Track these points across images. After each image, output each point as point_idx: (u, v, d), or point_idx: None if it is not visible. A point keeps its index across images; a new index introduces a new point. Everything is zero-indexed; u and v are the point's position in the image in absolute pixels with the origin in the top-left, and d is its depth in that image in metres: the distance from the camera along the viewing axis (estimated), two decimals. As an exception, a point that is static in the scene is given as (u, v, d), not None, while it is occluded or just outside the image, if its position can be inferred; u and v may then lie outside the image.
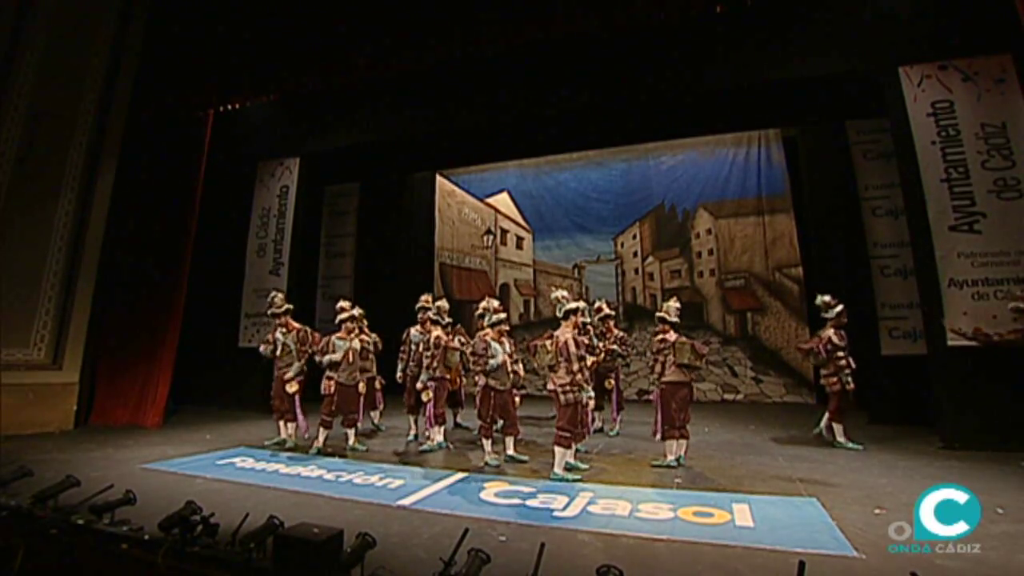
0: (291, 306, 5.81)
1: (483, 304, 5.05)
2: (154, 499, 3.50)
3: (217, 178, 8.33)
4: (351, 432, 5.42)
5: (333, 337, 5.39)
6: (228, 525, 2.70)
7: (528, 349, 4.64)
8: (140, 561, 2.51)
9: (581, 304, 4.61)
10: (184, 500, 2.84)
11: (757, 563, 2.65)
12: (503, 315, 4.93)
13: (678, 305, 4.88)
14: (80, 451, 5.33)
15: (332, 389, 5.20)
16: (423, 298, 6.01)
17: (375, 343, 6.27)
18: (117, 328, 7.39)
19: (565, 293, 4.65)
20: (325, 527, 2.52)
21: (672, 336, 4.68)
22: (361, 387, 5.46)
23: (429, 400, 5.25)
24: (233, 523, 2.71)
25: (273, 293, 5.89)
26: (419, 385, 5.27)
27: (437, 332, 5.54)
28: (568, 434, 4.28)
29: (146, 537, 2.67)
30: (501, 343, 4.84)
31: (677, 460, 4.59)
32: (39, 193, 6.76)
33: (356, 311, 5.57)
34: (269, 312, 5.80)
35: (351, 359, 5.34)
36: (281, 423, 5.61)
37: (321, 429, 5.28)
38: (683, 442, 4.62)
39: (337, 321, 5.40)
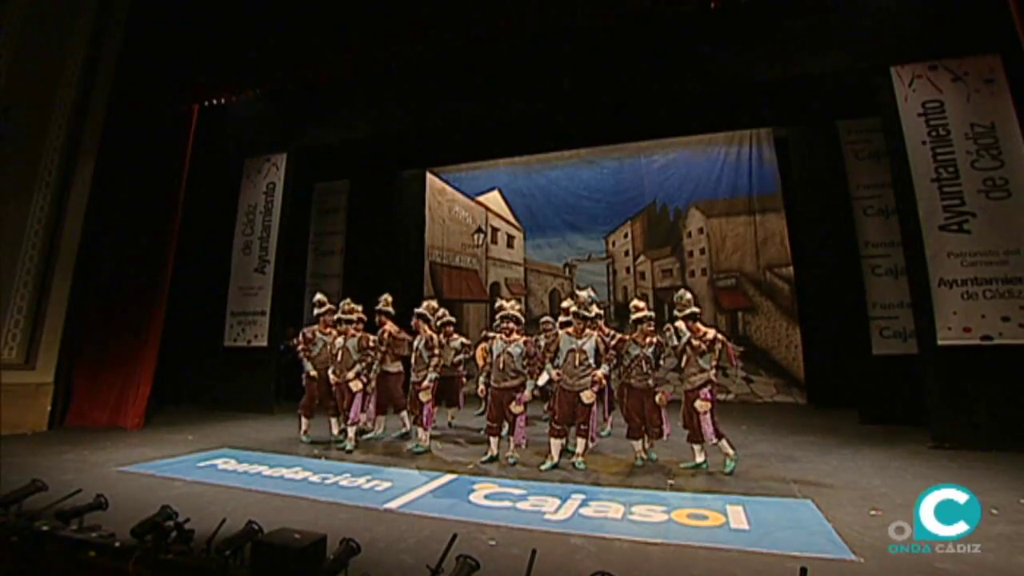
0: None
1: (503, 304, 5.03)
2: (129, 503, 3.36)
3: (202, 174, 8.15)
4: (350, 429, 5.41)
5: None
6: (205, 531, 2.58)
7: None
8: (109, 569, 2.37)
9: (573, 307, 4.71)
10: (160, 505, 2.72)
11: (754, 567, 2.58)
12: (514, 314, 4.89)
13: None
14: (53, 453, 5.14)
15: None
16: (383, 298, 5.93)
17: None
18: (97, 326, 7.18)
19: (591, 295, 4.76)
20: (307, 532, 2.43)
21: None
22: (355, 385, 5.37)
23: (429, 401, 5.21)
24: (211, 528, 2.58)
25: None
26: (425, 383, 5.17)
27: (430, 332, 5.46)
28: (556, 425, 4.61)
29: (117, 544, 2.53)
30: (511, 342, 4.79)
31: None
32: (12, 188, 6.53)
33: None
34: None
35: (339, 357, 5.46)
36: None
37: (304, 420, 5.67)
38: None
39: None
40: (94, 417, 6.76)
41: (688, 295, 4.63)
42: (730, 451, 4.34)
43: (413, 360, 5.36)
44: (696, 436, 4.42)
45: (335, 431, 5.69)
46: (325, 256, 10.50)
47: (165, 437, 6.02)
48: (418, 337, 5.43)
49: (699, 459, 4.50)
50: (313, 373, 5.75)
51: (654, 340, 4.75)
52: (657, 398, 4.64)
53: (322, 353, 5.78)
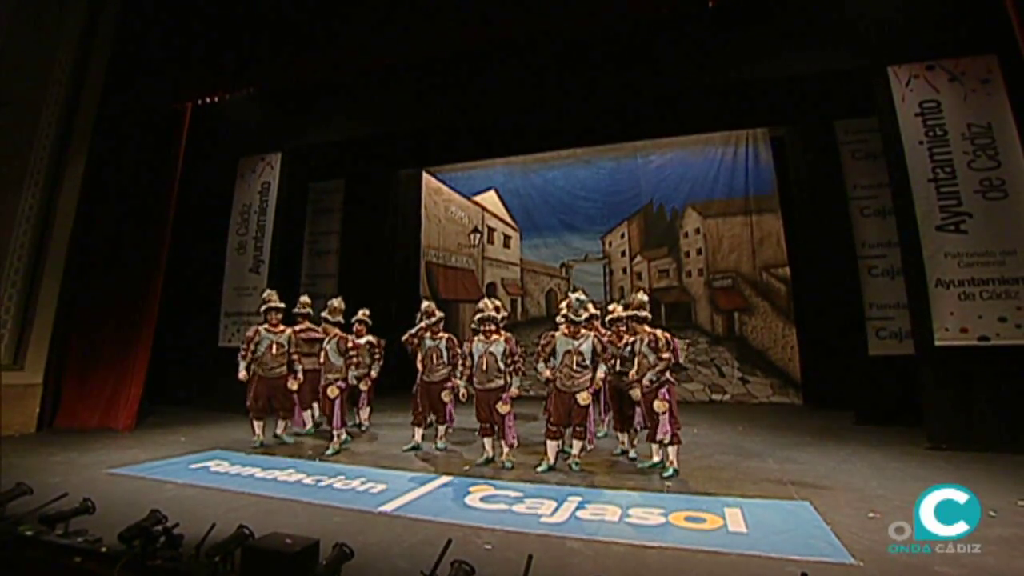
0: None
1: (480, 305, 4.98)
2: (119, 507, 3.30)
3: (196, 173, 8.07)
4: (336, 433, 5.37)
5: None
6: (195, 535, 2.52)
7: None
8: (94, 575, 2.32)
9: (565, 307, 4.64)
10: (150, 508, 2.66)
11: (753, 572, 2.55)
12: (493, 314, 4.83)
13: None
14: (41, 456, 5.05)
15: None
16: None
17: (370, 343, 6.08)
18: (87, 326, 7.07)
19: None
20: (299, 537, 2.37)
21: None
22: (292, 383, 5.65)
23: (450, 401, 5.27)
24: (201, 533, 2.53)
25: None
26: (454, 383, 5.18)
27: (447, 335, 5.53)
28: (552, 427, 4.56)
29: (103, 549, 2.48)
30: (492, 342, 4.76)
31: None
32: (1, 186, 6.43)
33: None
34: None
35: (274, 351, 5.69)
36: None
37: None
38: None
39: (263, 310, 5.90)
40: (84, 418, 6.66)
41: (643, 298, 4.58)
42: (674, 460, 4.27)
43: (432, 360, 5.30)
44: (653, 435, 4.36)
45: (279, 430, 5.75)
46: (320, 256, 10.44)
47: (157, 439, 5.94)
48: (415, 336, 5.37)
49: (656, 459, 4.49)
50: (243, 375, 5.62)
51: (630, 341, 4.70)
52: (634, 394, 4.64)
53: (265, 354, 5.66)
